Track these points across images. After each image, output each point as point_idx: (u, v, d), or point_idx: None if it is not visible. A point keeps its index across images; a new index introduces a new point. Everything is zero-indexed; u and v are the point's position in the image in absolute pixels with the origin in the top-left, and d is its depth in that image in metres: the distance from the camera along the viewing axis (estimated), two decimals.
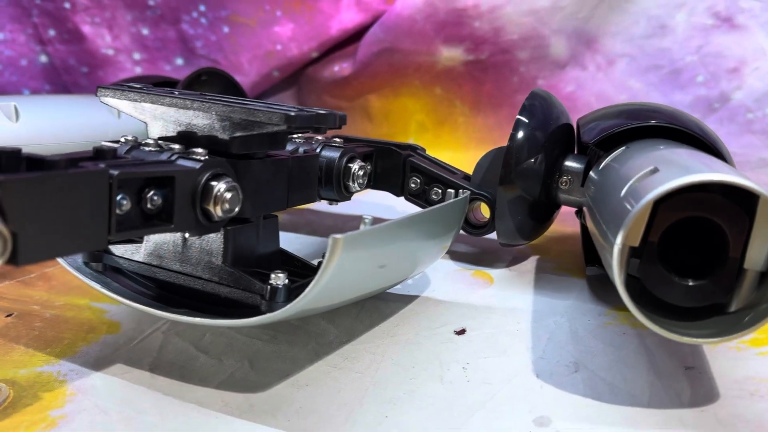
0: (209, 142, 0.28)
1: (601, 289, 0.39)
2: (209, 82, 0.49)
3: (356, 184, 0.37)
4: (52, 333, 0.34)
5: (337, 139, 0.38)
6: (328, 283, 0.25)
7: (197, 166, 0.26)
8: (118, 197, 0.23)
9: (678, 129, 0.33)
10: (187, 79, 0.47)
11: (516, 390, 0.29)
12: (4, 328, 0.34)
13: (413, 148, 0.44)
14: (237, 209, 0.27)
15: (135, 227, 0.24)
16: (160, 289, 0.32)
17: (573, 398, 0.28)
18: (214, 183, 0.26)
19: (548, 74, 0.59)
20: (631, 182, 0.26)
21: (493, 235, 0.43)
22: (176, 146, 0.27)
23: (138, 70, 0.65)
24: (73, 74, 0.63)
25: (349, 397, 0.28)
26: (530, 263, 0.43)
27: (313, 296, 0.26)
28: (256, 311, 0.28)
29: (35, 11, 0.60)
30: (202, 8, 0.63)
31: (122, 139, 0.28)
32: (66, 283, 0.39)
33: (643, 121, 0.33)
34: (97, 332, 0.34)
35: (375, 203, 0.54)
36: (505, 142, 0.37)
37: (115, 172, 0.22)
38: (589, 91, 0.57)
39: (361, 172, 0.37)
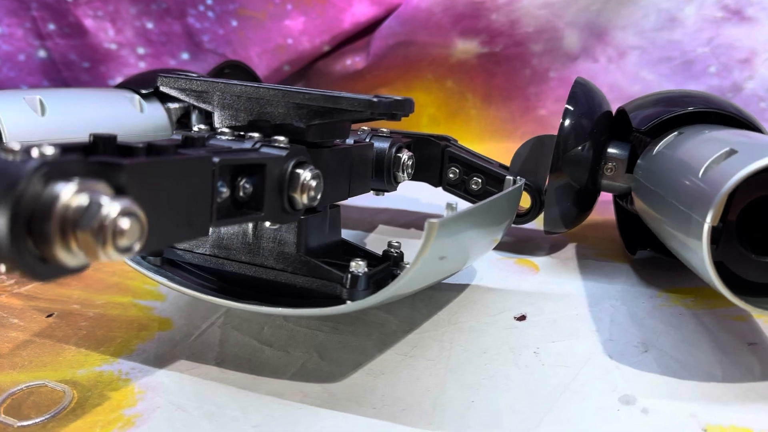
0: (284, 130, 0.28)
1: (646, 272, 0.40)
2: (231, 76, 0.48)
3: (405, 174, 0.37)
4: (101, 332, 0.33)
5: (384, 129, 0.38)
6: (420, 268, 0.25)
7: (284, 153, 0.25)
8: (218, 184, 0.22)
9: (725, 114, 0.34)
10: (211, 72, 0.46)
11: (594, 371, 0.29)
12: (48, 328, 0.33)
13: (447, 139, 0.44)
14: (319, 197, 0.26)
15: (230, 215, 0.23)
16: (223, 281, 0.31)
17: (650, 376, 0.29)
18: (299, 171, 0.25)
19: (560, 66, 0.60)
20: (707, 163, 0.27)
21: (528, 224, 0.43)
22: (255, 134, 0.26)
23: (142, 65, 0.63)
24: (73, 70, 0.61)
25: (430, 384, 0.28)
26: (570, 250, 0.44)
27: (405, 282, 0.25)
28: (333, 300, 0.28)
29: (34, 4, 0.58)
30: (209, 1, 0.61)
31: (196, 128, 0.28)
32: (101, 281, 0.38)
33: (697, 107, 0.34)
34: (150, 329, 0.33)
35: (394, 196, 0.54)
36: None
37: (217, 159, 0.21)
38: (601, 82, 0.58)
39: (410, 162, 0.37)
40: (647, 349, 0.31)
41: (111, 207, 0.16)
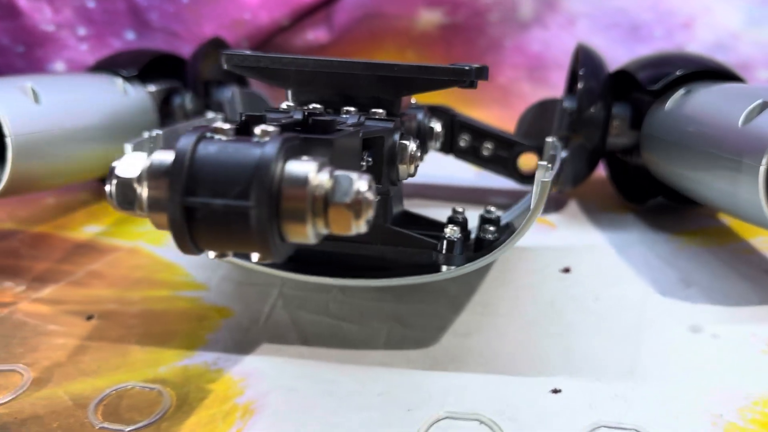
0: (369, 103, 0.28)
1: (650, 220, 0.44)
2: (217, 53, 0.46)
3: (437, 143, 0.38)
4: (158, 328, 0.31)
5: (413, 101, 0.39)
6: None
7: (391, 125, 0.25)
8: (365, 155, 0.22)
9: (720, 71, 0.39)
10: (200, 50, 0.44)
11: (655, 309, 0.32)
12: (97, 331, 0.31)
13: (449, 109, 0.46)
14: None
15: None
16: (308, 258, 0.31)
17: (703, 307, 0.32)
18: (405, 142, 0.26)
19: (514, 35, 0.63)
20: (744, 114, 0.31)
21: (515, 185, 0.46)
22: (351, 108, 0.26)
23: (83, 48, 0.58)
24: (6, 55, 0.55)
25: (519, 337, 0.30)
26: (573, 207, 0.47)
27: (511, 242, 0.27)
28: (427, 268, 0.29)
29: None
30: None
31: (284, 105, 0.27)
32: (124, 278, 0.36)
33: (700, 66, 0.38)
34: (210, 319, 0.32)
35: None
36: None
37: (360, 134, 0.22)
38: (556, 49, 0.62)
39: (441, 132, 0.38)
40: (689, 285, 0.34)
41: (360, 182, 0.16)
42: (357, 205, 0.16)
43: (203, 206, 0.15)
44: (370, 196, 0.16)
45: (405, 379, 0.27)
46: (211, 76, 0.45)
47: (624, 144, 0.42)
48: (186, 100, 0.44)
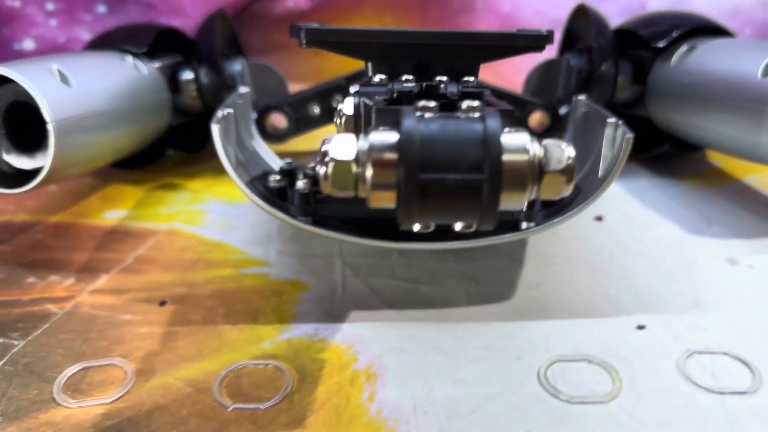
0: (455, 73, 0.28)
1: (652, 167, 0.47)
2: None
3: None
4: (240, 306, 0.31)
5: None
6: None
7: (488, 91, 0.26)
8: None
9: (719, 28, 0.42)
10: (208, 25, 0.42)
11: (691, 247, 0.35)
12: (176, 315, 0.30)
13: None
14: None
15: None
16: (368, 224, 0.31)
17: (731, 241, 0.36)
18: None
19: None
20: (763, 67, 0.34)
21: None
22: (443, 78, 0.26)
23: (53, 23, 0.53)
24: None
25: (587, 282, 0.32)
26: None
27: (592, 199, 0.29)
28: (506, 226, 0.30)
29: None
30: None
31: (377, 78, 0.27)
32: (178, 261, 0.35)
33: (703, 23, 0.41)
34: (288, 293, 0.32)
35: None
36: None
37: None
38: (526, 10, 0.64)
39: None
40: (711, 223, 0.38)
41: (569, 149, 0.17)
42: (569, 171, 0.17)
43: (437, 181, 0.16)
44: (573, 160, 0.17)
45: (500, 331, 0.29)
46: (222, 49, 0.43)
47: (627, 98, 0.44)
48: (201, 75, 0.42)
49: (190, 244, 0.37)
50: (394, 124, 0.18)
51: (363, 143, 0.17)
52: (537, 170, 0.17)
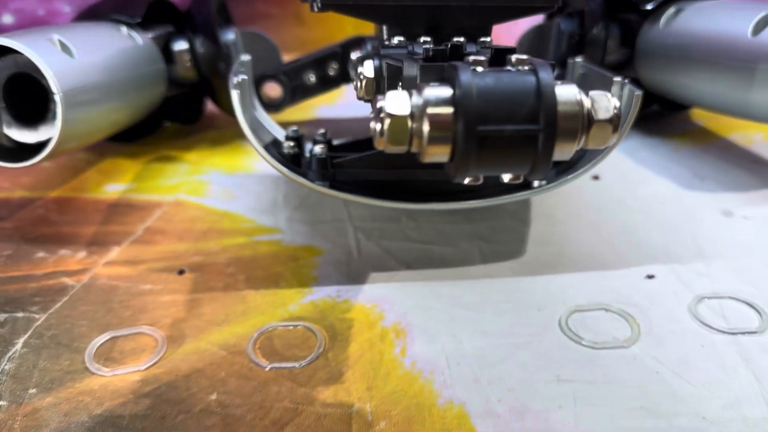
0: (468, 34, 0.28)
1: (644, 127, 0.48)
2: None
3: None
4: (259, 272, 0.31)
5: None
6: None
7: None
8: None
9: None
10: None
11: (687, 200, 0.37)
12: (197, 283, 0.30)
13: None
14: None
15: None
16: (392, 187, 0.31)
17: (722, 195, 0.37)
18: None
19: None
20: (752, 27, 0.35)
21: None
22: (460, 39, 0.27)
23: None
24: None
25: (593, 238, 0.33)
26: None
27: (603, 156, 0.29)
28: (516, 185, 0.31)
29: None
30: None
31: (395, 41, 0.27)
32: (189, 231, 0.34)
33: None
34: (304, 258, 0.32)
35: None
36: None
37: None
38: None
39: None
40: (702, 179, 0.39)
41: (614, 99, 0.18)
42: (616, 120, 0.18)
43: (495, 133, 0.16)
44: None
45: (518, 285, 0.30)
46: (217, 19, 0.43)
47: (616, 61, 0.45)
48: (196, 45, 0.41)
49: (198, 214, 0.37)
50: (442, 79, 0.18)
51: (417, 98, 0.17)
52: (587, 120, 0.17)
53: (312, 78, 0.44)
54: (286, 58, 0.48)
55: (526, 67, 0.17)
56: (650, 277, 0.30)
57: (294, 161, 0.31)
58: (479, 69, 0.17)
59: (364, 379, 0.24)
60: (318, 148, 0.30)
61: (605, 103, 0.17)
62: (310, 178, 0.30)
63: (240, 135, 0.48)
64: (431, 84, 0.17)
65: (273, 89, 0.45)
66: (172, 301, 0.29)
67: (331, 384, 0.24)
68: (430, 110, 0.17)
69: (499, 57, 0.18)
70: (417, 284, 0.30)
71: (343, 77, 0.44)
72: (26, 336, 0.26)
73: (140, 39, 0.39)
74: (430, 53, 0.21)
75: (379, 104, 0.17)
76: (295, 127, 0.35)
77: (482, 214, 0.36)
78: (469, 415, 0.22)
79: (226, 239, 0.34)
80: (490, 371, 0.24)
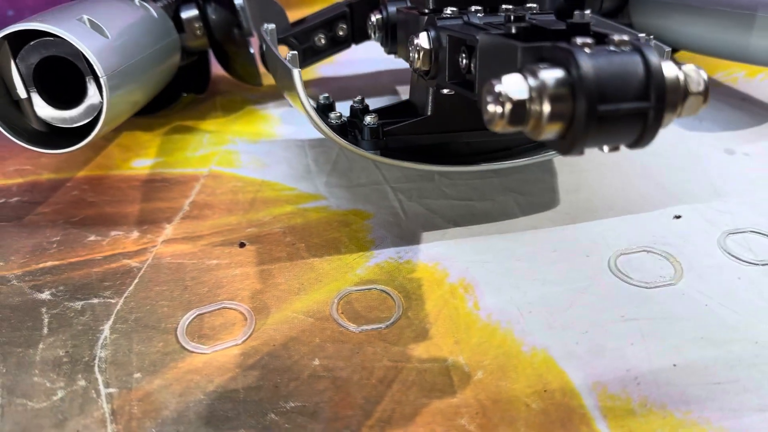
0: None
1: None
2: None
3: None
4: (317, 239, 0.31)
5: None
6: None
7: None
8: None
9: None
10: None
11: (692, 141, 0.39)
12: (261, 255, 0.30)
13: None
14: None
15: None
16: (438, 151, 0.32)
17: (721, 134, 0.40)
18: None
19: None
20: None
21: None
22: (510, 6, 0.27)
23: None
24: None
25: (618, 183, 0.35)
26: None
27: None
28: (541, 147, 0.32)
29: None
30: None
31: (449, 11, 0.27)
32: (233, 203, 0.34)
33: None
34: (355, 223, 0.33)
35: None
36: None
37: None
38: None
39: None
40: (701, 120, 0.42)
41: (701, 70, 0.19)
42: (707, 92, 0.19)
43: (613, 112, 0.17)
44: None
45: (561, 234, 0.31)
46: None
47: (611, 7, 0.46)
48: (208, 11, 0.40)
49: (238, 185, 0.36)
50: (541, 59, 0.19)
51: (534, 81, 0.18)
52: (684, 93, 0.19)
53: (322, 40, 0.43)
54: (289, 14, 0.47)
55: (628, 48, 0.18)
56: (677, 217, 0.32)
57: (341, 131, 0.32)
58: (588, 50, 0.18)
59: (449, 334, 0.25)
60: (369, 118, 0.30)
61: (697, 77, 0.19)
62: (363, 147, 0.30)
63: (250, 101, 0.48)
64: (542, 66, 0.18)
65: (284, 52, 0.45)
66: (243, 274, 0.29)
67: (420, 341, 0.25)
68: (551, 91, 0.17)
69: (600, 37, 0.19)
70: (468, 240, 0.31)
71: (354, 37, 0.44)
72: (110, 322, 0.27)
73: (153, 11, 0.38)
74: (513, 30, 0.22)
75: (497, 88, 0.18)
76: (326, 94, 0.35)
77: (510, 168, 0.37)
78: (554, 359, 0.24)
79: (274, 209, 0.34)
80: (561, 317, 0.26)
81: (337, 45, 0.44)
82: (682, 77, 0.19)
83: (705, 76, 0.19)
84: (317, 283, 0.29)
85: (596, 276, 0.28)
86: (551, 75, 0.18)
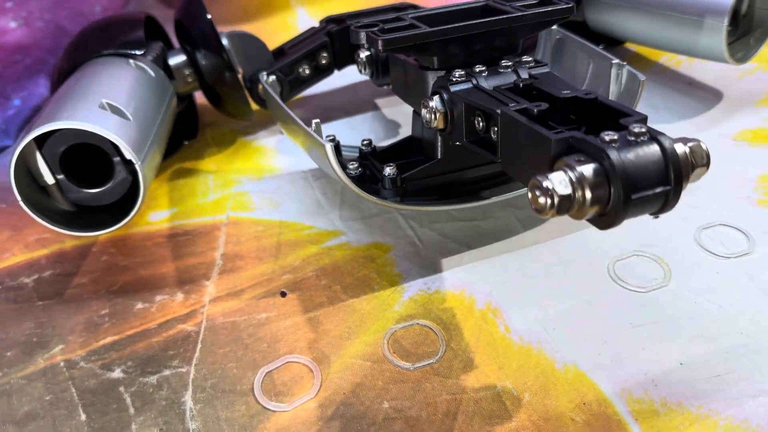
0: (501, 51, 0.31)
1: None
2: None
3: None
4: (349, 279, 0.34)
5: None
6: None
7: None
8: None
9: None
10: (196, 7, 0.38)
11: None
12: (302, 302, 0.33)
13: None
14: None
15: None
16: (449, 188, 0.35)
17: (680, 124, 0.44)
18: None
19: None
20: None
21: None
22: (507, 63, 0.29)
23: None
24: None
25: None
26: None
27: None
28: None
29: None
30: None
31: (457, 74, 0.29)
32: (261, 249, 0.36)
33: None
34: (378, 257, 0.35)
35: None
36: None
37: None
38: None
39: None
40: (657, 109, 0.45)
41: (706, 146, 0.22)
42: (708, 163, 0.22)
43: (643, 197, 0.20)
44: None
45: (563, 246, 0.35)
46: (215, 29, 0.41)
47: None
48: (198, 57, 0.40)
49: (259, 229, 0.38)
50: (570, 147, 0.22)
51: (575, 175, 0.20)
52: (692, 168, 0.22)
53: (306, 70, 0.44)
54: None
55: (647, 137, 0.21)
56: (655, 215, 0.36)
57: (359, 180, 0.34)
58: (613, 142, 0.21)
59: (492, 360, 0.29)
60: (389, 170, 0.32)
61: (700, 152, 0.22)
62: (385, 196, 0.33)
63: (239, 131, 0.49)
64: (578, 159, 0.21)
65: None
66: (294, 325, 0.32)
67: (469, 371, 0.29)
68: (590, 182, 0.20)
69: (620, 126, 0.22)
70: (484, 262, 0.34)
71: (336, 64, 0.45)
72: (189, 392, 0.29)
73: (150, 70, 0.38)
74: (535, 112, 0.24)
75: (545, 184, 0.21)
76: (331, 136, 0.36)
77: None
78: (584, 372, 0.28)
79: (300, 251, 0.36)
80: (581, 330, 0.30)
81: (320, 73, 0.45)
82: (689, 153, 0.22)
83: (706, 149, 0.22)
84: (362, 324, 0.31)
85: (600, 285, 0.32)
86: (589, 169, 0.21)
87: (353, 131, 0.47)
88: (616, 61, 0.35)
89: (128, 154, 0.30)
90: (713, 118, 0.44)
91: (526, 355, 0.29)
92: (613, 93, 0.35)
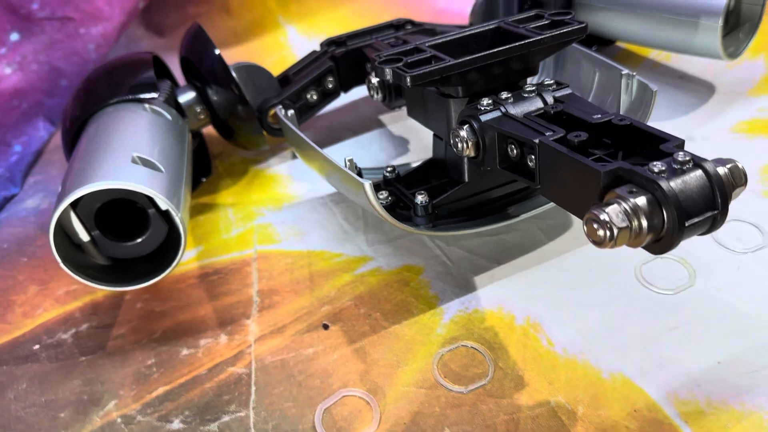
0: (521, 74, 0.31)
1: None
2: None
3: None
4: (388, 305, 0.34)
5: None
6: None
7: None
8: None
9: None
10: (204, 44, 0.38)
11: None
12: (347, 333, 0.33)
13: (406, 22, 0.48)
14: None
15: None
16: (481, 208, 0.35)
17: (676, 120, 0.45)
18: None
19: None
20: None
21: None
22: (531, 88, 0.30)
23: None
24: None
25: None
26: None
27: None
28: None
29: None
30: None
31: (485, 102, 0.29)
32: (295, 282, 0.36)
33: None
34: (411, 280, 0.36)
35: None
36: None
37: None
38: None
39: None
40: (657, 107, 0.46)
41: (743, 167, 0.23)
42: (746, 182, 0.23)
43: (695, 224, 0.21)
44: None
45: (586, 255, 0.36)
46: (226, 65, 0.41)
47: (559, 7, 0.50)
48: (209, 93, 0.40)
49: (289, 261, 0.38)
50: (617, 177, 0.23)
51: (630, 206, 0.21)
52: (733, 188, 0.23)
53: (314, 96, 0.44)
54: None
55: (691, 164, 0.22)
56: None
57: (390, 209, 0.34)
58: (660, 173, 0.22)
59: (541, 376, 0.30)
60: (421, 198, 0.33)
61: (738, 173, 0.23)
62: (418, 223, 0.33)
63: (249, 160, 0.49)
64: (630, 190, 0.22)
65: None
66: (342, 357, 0.32)
67: (521, 389, 0.30)
68: (645, 212, 0.21)
69: (659, 152, 0.23)
70: (515, 277, 0.35)
71: (342, 87, 0.45)
72: None
73: (165, 112, 0.37)
74: (575, 142, 0.25)
75: (602, 217, 0.22)
76: (349, 158, 0.36)
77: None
78: (631, 379, 0.29)
79: (334, 281, 0.37)
80: (620, 336, 0.31)
81: (327, 97, 0.45)
82: (729, 174, 0.23)
83: (743, 168, 0.23)
84: (409, 351, 0.32)
85: (630, 291, 0.33)
86: (642, 200, 0.22)
87: (362, 150, 0.48)
88: (625, 71, 0.36)
89: (164, 205, 0.30)
90: (709, 111, 0.46)
91: (573, 367, 0.30)
92: (624, 104, 0.36)
